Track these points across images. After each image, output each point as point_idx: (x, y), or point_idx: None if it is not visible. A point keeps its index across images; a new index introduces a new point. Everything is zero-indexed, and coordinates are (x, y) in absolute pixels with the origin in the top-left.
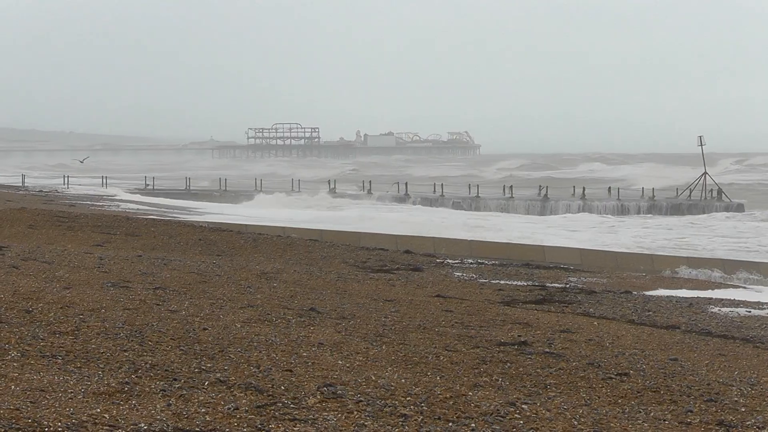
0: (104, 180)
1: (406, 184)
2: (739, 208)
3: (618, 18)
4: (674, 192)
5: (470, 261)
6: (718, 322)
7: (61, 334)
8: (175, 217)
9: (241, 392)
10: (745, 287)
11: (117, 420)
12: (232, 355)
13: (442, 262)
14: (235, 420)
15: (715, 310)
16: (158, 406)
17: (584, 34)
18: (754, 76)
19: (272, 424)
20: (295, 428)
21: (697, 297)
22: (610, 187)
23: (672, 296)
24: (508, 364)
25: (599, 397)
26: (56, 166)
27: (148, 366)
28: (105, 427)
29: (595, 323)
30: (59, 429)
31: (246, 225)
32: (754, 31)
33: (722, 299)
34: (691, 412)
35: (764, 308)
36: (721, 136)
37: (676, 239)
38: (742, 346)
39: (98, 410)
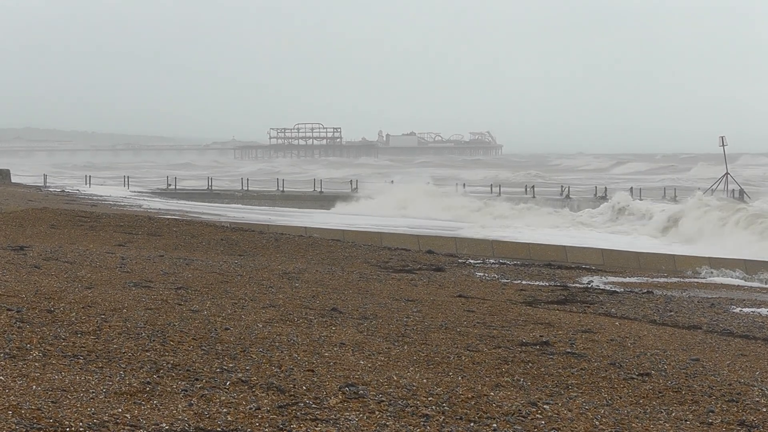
0: (126, 180)
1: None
2: None
3: (634, 20)
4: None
5: (492, 261)
6: (739, 323)
7: (83, 334)
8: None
9: (262, 392)
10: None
11: (138, 420)
12: (253, 355)
13: (464, 262)
14: (256, 420)
15: (737, 310)
16: (180, 406)
17: (598, 35)
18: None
19: (294, 424)
20: (316, 428)
21: (719, 297)
22: (632, 187)
23: (694, 296)
24: (530, 364)
25: (621, 398)
26: (78, 167)
27: (169, 366)
28: (126, 427)
29: (617, 323)
30: (81, 429)
31: (268, 225)
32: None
33: (744, 299)
34: (713, 412)
35: None
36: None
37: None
38: (764, 347)
39: (120, 410)
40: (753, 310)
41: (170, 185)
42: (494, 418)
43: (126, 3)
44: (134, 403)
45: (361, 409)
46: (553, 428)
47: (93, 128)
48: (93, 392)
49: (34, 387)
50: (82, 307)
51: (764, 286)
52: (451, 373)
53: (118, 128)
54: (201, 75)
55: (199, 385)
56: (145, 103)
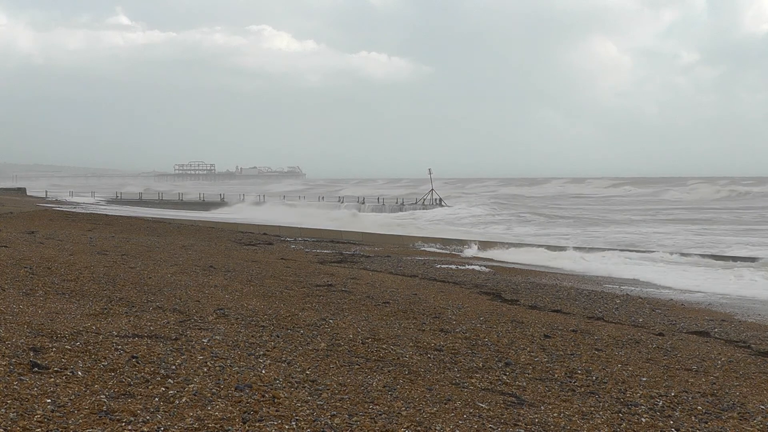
0: (92, 193)
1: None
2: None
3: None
4: (413, 199)
5: (300, 239)
6: (440, 273)
7: (68, 281)
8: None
9: (170, 314)
10: (459, 254)
11: (99, 330)
12: (165, 293)
13: (284, 239)
14: (167, 329)
15: (438, 266)
16: (123, 321)
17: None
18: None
19: (188, 332)
20: (201, 333)
21: (428, 259)
22: (379, 197)
23: (414, 258)
24: (321, 297)
25: (373, 316)
26: (65, 186)
27: (117, 299)
28: (93, 334)
29: (371, 274)
30: (66, 334)
31: (173, 219)
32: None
33: (442, 261)
34: (425, 323)
35: (466, 266)
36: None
37: (415, 224)
38: (453, 287)
39: (89, 324)
40: (446, 266)
41: (118, 196)
42: (301, 327)
43: (108, 71)
44: (97, 320)
45: (226, 323)
46: (335, 332)
47: (74, 163)
48: (74, 314)
49: (39, 311)
50: (68, 266)
51: (453, 252)
52: (276, 302)
53: (89, 162)
54: (132, 123)
55: (134, 310)
56: (101, 143)
